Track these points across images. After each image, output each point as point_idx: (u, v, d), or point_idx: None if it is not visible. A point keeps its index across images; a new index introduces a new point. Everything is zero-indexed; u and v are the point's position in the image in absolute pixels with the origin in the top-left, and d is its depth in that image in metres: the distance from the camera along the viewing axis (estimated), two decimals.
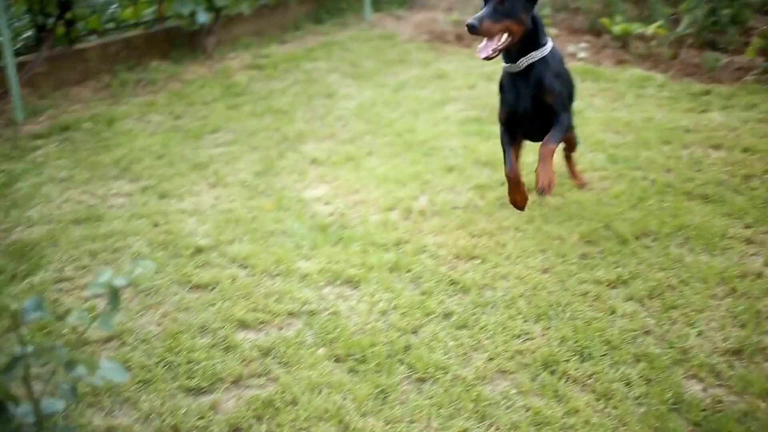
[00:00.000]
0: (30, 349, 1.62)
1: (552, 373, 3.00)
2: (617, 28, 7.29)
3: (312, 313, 3.39)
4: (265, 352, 3.14)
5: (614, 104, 6.05)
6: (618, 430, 2.70)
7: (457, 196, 4.51)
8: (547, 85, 3.81)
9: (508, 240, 4.02)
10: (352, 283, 3.63)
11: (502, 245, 3.97)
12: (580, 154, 5.09)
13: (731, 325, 3.32)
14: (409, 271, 3.72)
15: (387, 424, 2.69)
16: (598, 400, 2.86)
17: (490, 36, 3.55)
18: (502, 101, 3.97)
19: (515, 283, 3.63)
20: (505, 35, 3.58)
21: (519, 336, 3.23)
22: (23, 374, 1.66)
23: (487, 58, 3.58)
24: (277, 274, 3.72)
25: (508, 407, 2.81)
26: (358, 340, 3.16)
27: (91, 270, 3.79)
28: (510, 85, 3.89)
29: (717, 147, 5.27)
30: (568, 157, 4.69)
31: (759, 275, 3.69)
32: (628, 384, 2.94)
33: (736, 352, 3.15)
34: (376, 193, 4.52)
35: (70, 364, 1.65)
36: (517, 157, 4.04)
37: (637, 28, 7.25)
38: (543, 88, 3.81)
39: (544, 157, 3.71)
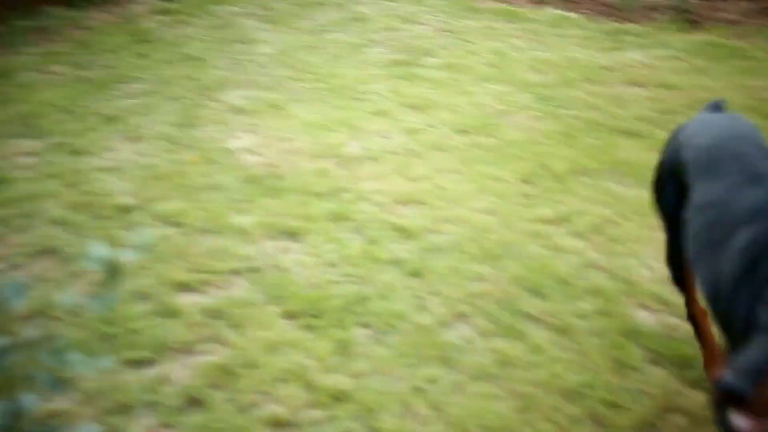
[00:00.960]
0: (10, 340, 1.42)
1: (510, 313, 2.98)
2: None
3: (256, 270, 3.23)
4: (213, 315, 2.96)
5: (534, 44, 6.03)
6: (580, 363, 2.72)
7: (389, 141, 4.39)
8: None
9: (447, 183, 3.95)
10: (294, 235, 3.48)
11: (441, 188, 3.90)
12: (505, 93, 5.06)
13: None
14: (351, 220, 3.60)
15: (354, 379, 2.60)
16: (557, 335, 2.86)
17: None
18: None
19: (461, 226, 3.57)
20: None
21: (472, 279, 3.19)
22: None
23: None
24: (213, 231, 3.52)
25: (472, 350, 2.78)
26: (310, 294, 3.03)
27: (3, 239, 3.48)
28: None
29: (637, 84, 5.34)
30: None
31: None
32: (584, 318, 2.96)
33: None
34: (305, 140, 4.35)
35: (57, 353, 1.46)
36: None
37: None
38: None
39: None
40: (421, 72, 5.35)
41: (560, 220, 3.64)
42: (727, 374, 1.42)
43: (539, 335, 2.86)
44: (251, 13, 6.40)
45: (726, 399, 1.42)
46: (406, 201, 3.77)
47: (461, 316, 2.97)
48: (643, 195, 3.85)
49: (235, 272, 3.23)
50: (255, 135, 4.44)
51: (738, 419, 1.45)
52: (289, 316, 2.94)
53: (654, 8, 6.97)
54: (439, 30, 6.19)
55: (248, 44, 5.74)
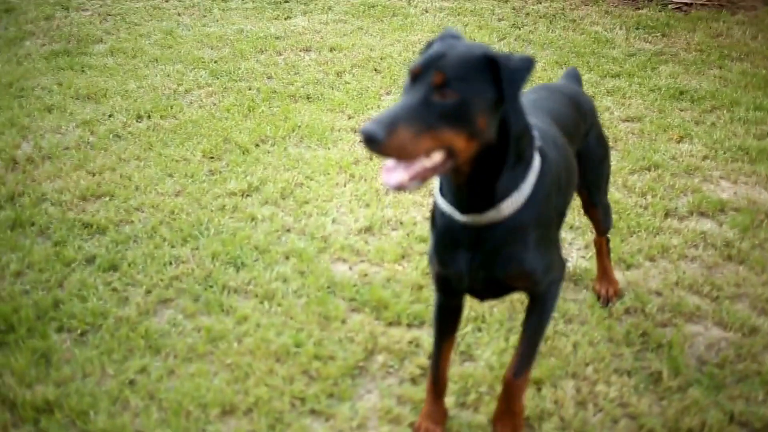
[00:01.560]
0: None
1: (213, 289, 3.03)
2: None
3: None
4: None
5: (203, 20, 6.04)
6: (287, 324, 2.85)
7: (64, 137, 4.18)
8: (526, 266, 2.12)
9: (132, 171, 3.87)
10: None
11: (127, 178, 3.81)
12: (180, 72, 5.02)
13: (357, 206, 3.65)
14: (33, 224, 3.40)
15: (58, 387, 2.50)
16: (261, 302, 2.97)
17: (406, 156, 1.78)
18: (435, 251, 2.21)
19: (152, 213, 3.53)
20: (440, 155, 1.83)
21: (170, 263, 3.19)
22: None
23: (400, 189, 1.82)
24: None
25: (180, 333, 2.79)
26: None
27: None
28: (449, 235, 2.13)
29: (307, 50, 5.60)
30: (599, 246, 3.09)
31: (370, 158, 4.07)
32: (285, 281, 3.10)
33: (368, 229, 3.48)
34: None
35: None
36: (449, 351, 2.42)
37: None
38: (514, 268, 2.12)
39: (511, 396, 2.35)
40: (88, 60, 5.12)
41: (250, 191, 3.74)
42: (367, 123, 1.73)
43: (245, 305, 2.95)
44: None
45: (365, 142, 1.72)
46: (91, 196, 3.64)
47: (164, 302, 2.97)
48: (324, 154, 4.10)
49: None
50: None
51: (386, 170, 1.81)
52: None
53: None
54: (102, 14, 5.95)
55: None
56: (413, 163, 1.79)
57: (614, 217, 3.58)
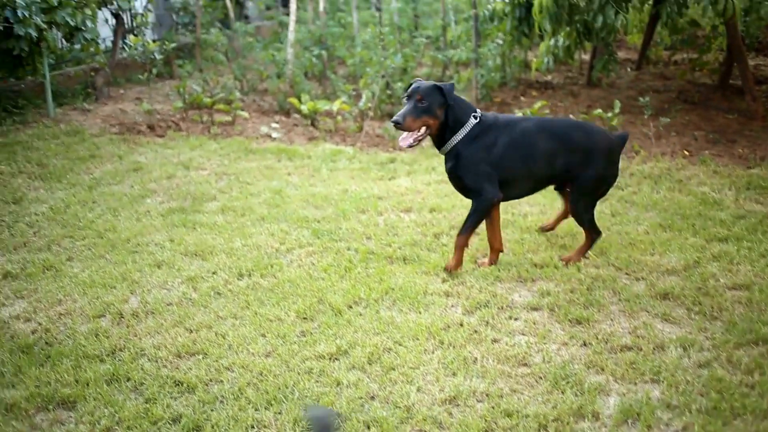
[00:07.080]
0: None
1: None
2: (305, 107, 7.70)
3: None
4: None
5: (311, 180, 6.34)
6: None
7: (169, 292, 4.40)
8: (458, 169, 4.55)
9: (227, 329, 4.00)
10: (68, 403, 3.36)
11: (222, 336, 3.94)
12: (283, 231, 5.25)
13: (444, 375, 3.60)
14: (128, 379, 3.54)
15: None
16: None
17: (411, 130, 4.36)
18: None
19: (241, 373, 3.61)
20: (424, 128, 4.40)
21: (252, 426, 3.21)
22: None
23: (409, 146, 4.41)
24: None
25: None
26: None
27: None
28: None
29: (407, 210, 5.75)
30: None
31: (460, 324, 4.05)
32: None
33: (452, 400, 3.42)
34: (81, 301, 4.26)
35: None
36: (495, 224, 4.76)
37: (323, 105, 7.72)
38: (454, 171, 4.59)
39: (455, 247, 4.69)
40: (200, 218, 5.45)
41: (338, 354, 3.78)
42: (396, 116, 4.39)
43: None
44: (23, 171, 6.27)
45: (395, 124, 4.35)
46: (185, 353, 3.77)
47: None
48: (415, 319, 4.11)
49: None
50: (27, 300, 4.28)
51: (401, 139, 4.46)
52: None
53: None
54: (218, 174, 6.35)
55: (18, 204, 5.60)
56: (412, 133, 4.37)
57: (716, 396, 3.39)
